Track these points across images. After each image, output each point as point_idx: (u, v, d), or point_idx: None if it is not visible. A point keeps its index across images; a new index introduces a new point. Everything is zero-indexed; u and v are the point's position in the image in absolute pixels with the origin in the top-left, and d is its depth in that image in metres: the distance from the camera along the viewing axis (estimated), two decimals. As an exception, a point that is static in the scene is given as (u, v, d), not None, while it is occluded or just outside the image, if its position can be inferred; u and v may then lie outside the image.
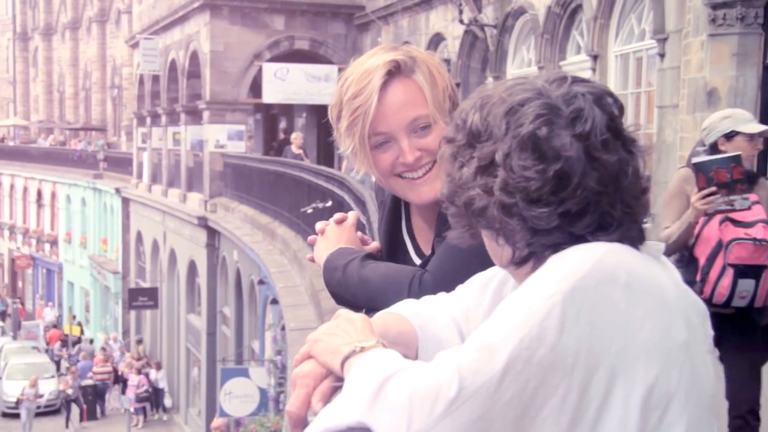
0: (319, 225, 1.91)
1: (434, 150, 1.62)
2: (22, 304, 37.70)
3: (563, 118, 1.11)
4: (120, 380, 23.58)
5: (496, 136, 1.13)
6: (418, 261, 1.82)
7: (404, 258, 1.85)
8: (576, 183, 1.10)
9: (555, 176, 1.09)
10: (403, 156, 1.67)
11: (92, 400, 23.78)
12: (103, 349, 26.34)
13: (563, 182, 1.10)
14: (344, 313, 1.25)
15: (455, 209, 1.19)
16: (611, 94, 1.17)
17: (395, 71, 1.65)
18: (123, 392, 22.82)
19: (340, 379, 1.14)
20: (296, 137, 16.78)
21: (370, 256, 1.79)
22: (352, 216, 1.91)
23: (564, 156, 1.10)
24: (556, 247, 1.11)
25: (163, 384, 22.88)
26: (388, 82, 1.65)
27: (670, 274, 1.14)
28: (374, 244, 1.90)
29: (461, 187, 1.16)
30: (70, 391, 23.70)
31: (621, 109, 1.16)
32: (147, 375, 22.73)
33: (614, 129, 1.14)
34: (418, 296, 1.44)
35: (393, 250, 1.87)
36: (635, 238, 1.15)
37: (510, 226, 1.12)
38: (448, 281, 1.45)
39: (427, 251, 1.81)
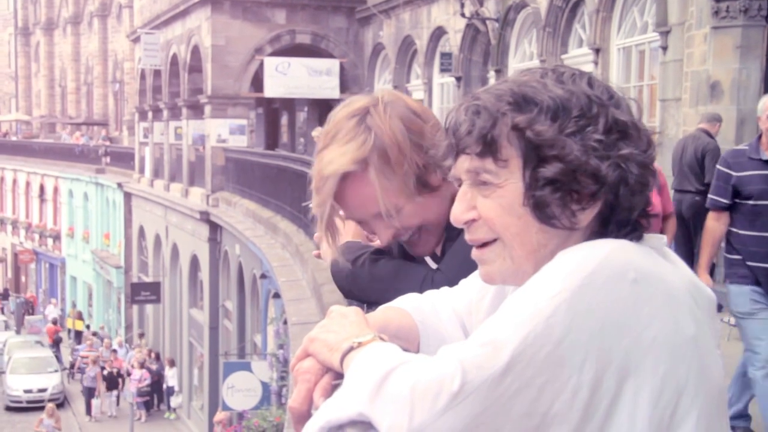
0: None
1: (409, 225, 1.70)
2: (33, 298, 37.77)
3: (605, 106, 1.14)
4: (119, 377, 23.46)
5: (600, 102, 1.12)
6: (431, 263, 1.82)
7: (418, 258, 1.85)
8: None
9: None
10: (380, 239, 1.74)
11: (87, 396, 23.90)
12: (95, 333, 26.53)
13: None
14: (337, 308, 1.25)
15: (561, 191, 1.11)
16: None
17: (348, 174, 1.67)
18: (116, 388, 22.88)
19: (340, 376, 1.13)
20: (318, 133, 16.79)
21: (379, 251, 1.79)
22: None
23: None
24: (635, 218, 1.14)
25: (173, 382, 22.83)
26: (344, 187, 1.67)
27: (677, 268, 1.14)
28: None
29: (588, 161, 1.09)
30: (85, 375, 23.86)
31: None
32: (150, 369, 22.72)
33: None
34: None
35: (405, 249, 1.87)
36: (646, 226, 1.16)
37: (636, 186, 1.12)
38: (460, 279, 1.45)
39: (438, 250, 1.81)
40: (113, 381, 23.31)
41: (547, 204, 1.11)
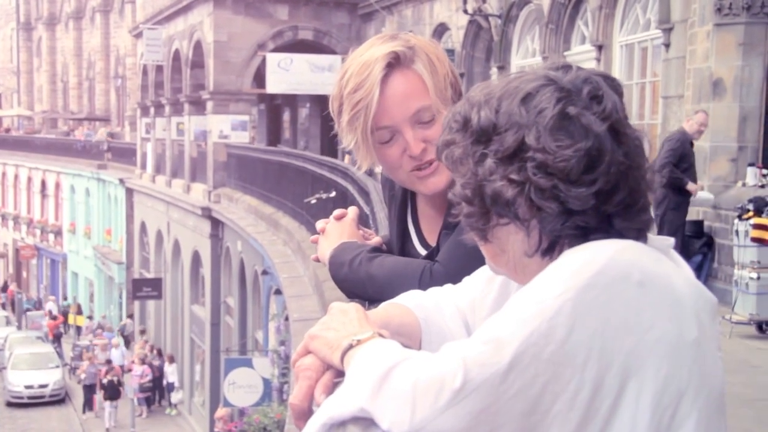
0: (319, 224, 1.90)
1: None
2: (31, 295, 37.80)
3: (582, 99, 1.12)
4: (119, 385, 22.89)
5: (519, 123, 1.12)
6: (422, 251, 1.81)
7: (411, 248, 1.83)
8: (608, 159, 1.11)
9: (588, 153, 1.10)
10: (409, 148, 1.65)
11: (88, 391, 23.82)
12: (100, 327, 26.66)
13: (597, 159, 1.10)
14: (337, 305, 1.25)
15: (472, 209, 1.17)
16: (612, 78, 1.19)
17: (395, 62, 1.62)
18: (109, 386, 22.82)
19: (342, 373, 1.13)
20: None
21: (376, 249, 1.77)
22: (351, 211, 1.89)
23: (594, 133, 1.11)
24: (586, 231, 1.11)
25: (173, 379, 22.83)
26: (389, 74, 1.62)
27: (681, 270, 1.14)
28: (376, 239, 1.88)
29: (484, 182, 1.14)
30: (83, 376, 23.68)
31: (622, 91, 1.19)
32: (151, 365, 22.70)
33: (623, 108, 1.16)
34: (429, 288, 1.43)
35: (403, 240, 1.85)
36: (649, 221, 1.15)
37: (547, 210, 1.11)
38: (459, 272, 1.43)
39: (432, 241, 1.79)
40: (114, 390, 22.39)
41: (465, 219, 1.18)
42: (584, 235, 1.11)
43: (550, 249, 1.14)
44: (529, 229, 1.14)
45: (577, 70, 1.16)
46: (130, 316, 28.33)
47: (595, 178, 1.10)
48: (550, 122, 1.10)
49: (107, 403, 22.14)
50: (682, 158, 8.30)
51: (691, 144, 8.43)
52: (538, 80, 1.14)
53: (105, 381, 22.42)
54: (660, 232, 7.46)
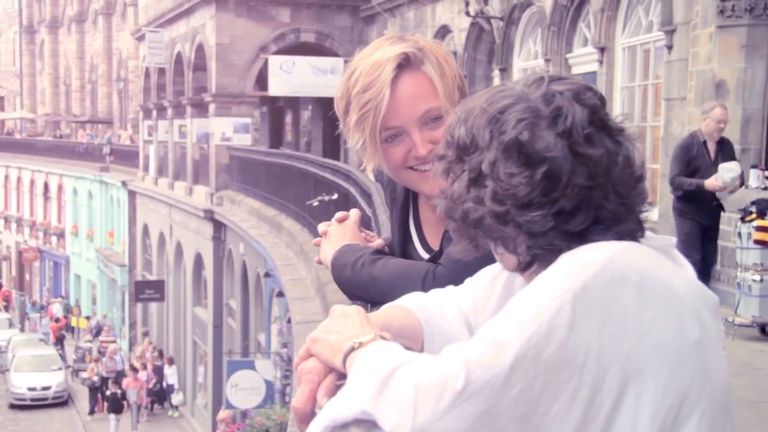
0: (321, 227, 1.89)
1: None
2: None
3: (544, 118, 1.11)
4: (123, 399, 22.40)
5: (482, 146, 1.13)
6: (424, 254, 1.81)
7: (412, 251, 1.83)
8: (566, 181, 1.10)
9: (543, 178, 1.10)
10: (416, 149, 1.65)
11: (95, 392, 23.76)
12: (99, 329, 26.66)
13: (553, 183, 1.10)
14: (339, 308, 1.25)
15: (454, 224, 1.19)
16: (590, 88, 1.17)
17: (405, 63, 1.63)
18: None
19: (344, 376, 1.13)
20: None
21: (379, 252, 1.77)
22: (353, 214, 1.89)
23: (549, 157, 1.10)
24: (556, 250, 1.11)
25: (173, 380, 22.82)
26: (399, 75, 1.62)
27: (682, 271, 1.14)
28: (378, 241, 1.88)
29: (455, 201, 1.16)
30: (95, 378, 23.61)
31: (602, 100, 1.17)
32: (155, 369, 22.64)
33: (598, 122, 1.13)
34: (432, 290, 1.43)
35: (404, 243, 1.85)
36: (635, 230, 1.14)
37: (507, 233, 1.13)
38: (462, 274, 1.43)
39: (435, 244, 1.79)
40: (118, 404, 21.90)
41: (454, 231, 1.21)
42: (556, 252, 1.11)
43: (528, 266, 1.16)
44: (498, 249, 1.17)
45: (549, 83, 1.15)
46: (132, 323, 28.30)
47: (553, 201, 1.10)
48: (505, 149, 1.11)
49: (111, 416, 21.91)
50: (689, 163, 7.40)
51: (704, 144, 7.42)
52: (509, 98, 1.15)
53: (108, 393, 22.21)
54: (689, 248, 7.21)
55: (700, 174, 7.38)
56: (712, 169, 7.33)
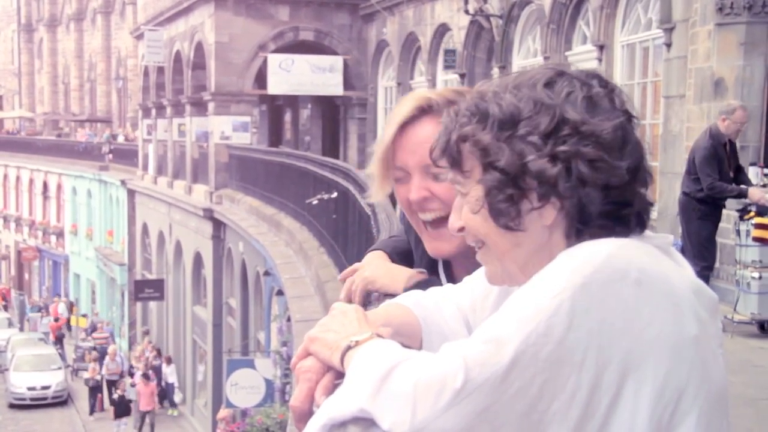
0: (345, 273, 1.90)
1: (446, 199, 1.62)
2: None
3: (596, 87, 1.15)
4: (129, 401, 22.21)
5: (550, 104, 1.12)
6: (443, 278, 1.80)
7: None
8: (632, 137, 1.14)
9: (622, 129, 1.13)
10: (409, 191, 1.69)
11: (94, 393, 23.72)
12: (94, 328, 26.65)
13: (626, 136, 1.13)
14: (338, 306, 1.26)
15: (503, 195, 1.13)
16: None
17: (427, 109, 1.67)
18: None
19: (342, 375, 1.13)
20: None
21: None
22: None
23: (621, 110, 1.14)
24: (612, 223, 1.12)
25: (172, 379, 22.79)
26: (417, 118, 1.67)
27: (680, 268, 1.14)
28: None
29: (526, 162, 1.11)
30: (98, 377, 23.55)
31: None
32: (155, 368, 22.59)
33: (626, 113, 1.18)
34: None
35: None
36: (644, 222, 1.15)
37: (594, 182, 1.10)
38: None
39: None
40: (125, 408, 21.59)
41: (496, 208, 1.14)
42: (610, 227, 1.12)
43: (578, 236, 1.14)
44: (565, 206, 1.13)
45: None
46: (132, 323, 28.29)
47: (625, 154, 1.12)
48: (584, 102, 1.12)
49: (118, 420, 21.71)
50: (718, 166, 7.29)
51: (724, 146, 7.36)
52: (550, 71, 1.16)
53: (115, 396, 22.03)
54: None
55: (721, 176, 7.28)
56: (728, 171, 7.36)
